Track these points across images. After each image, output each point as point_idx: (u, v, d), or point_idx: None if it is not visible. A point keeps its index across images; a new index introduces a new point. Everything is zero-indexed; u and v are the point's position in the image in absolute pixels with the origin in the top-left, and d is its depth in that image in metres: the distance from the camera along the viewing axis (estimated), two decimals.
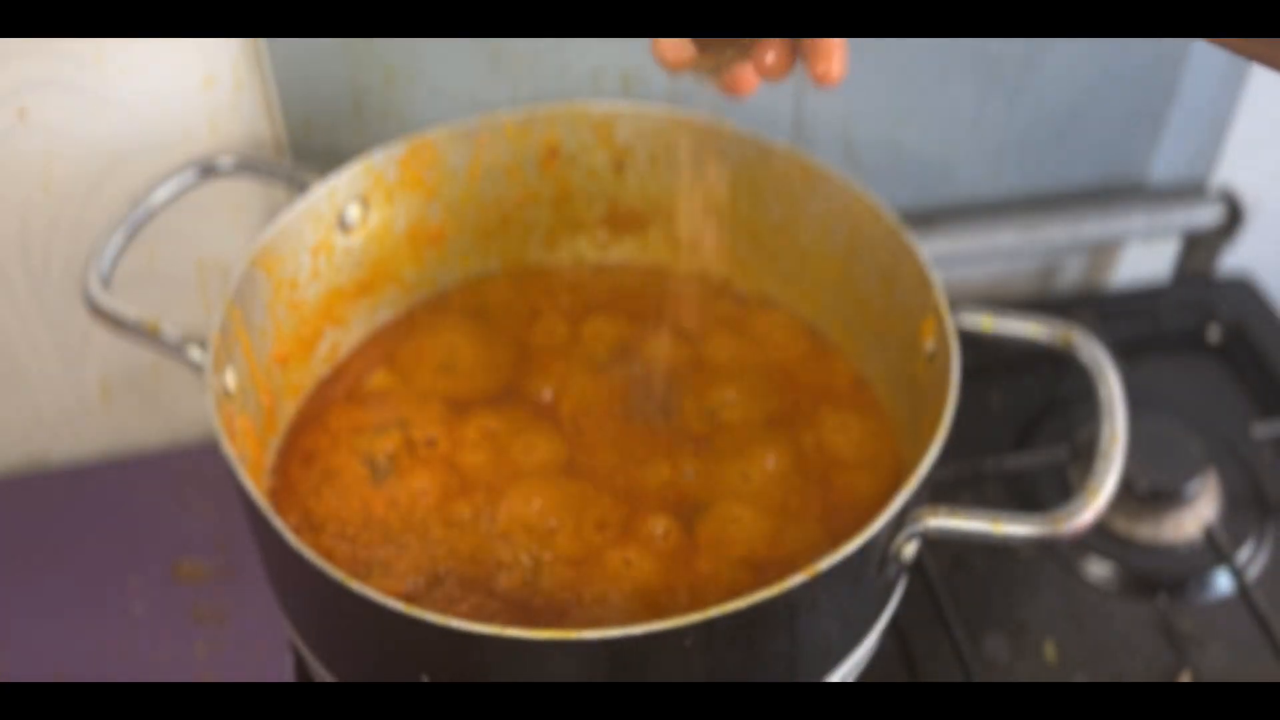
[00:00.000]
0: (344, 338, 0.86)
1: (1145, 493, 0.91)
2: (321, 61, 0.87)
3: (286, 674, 0.86)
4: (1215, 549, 0.90)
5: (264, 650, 0.89)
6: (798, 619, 0.62)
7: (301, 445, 0.80)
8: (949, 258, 1.05)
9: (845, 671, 0.71)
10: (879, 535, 0.61)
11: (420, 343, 0.87)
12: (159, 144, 0.88)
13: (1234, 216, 1.10)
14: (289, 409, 0.82)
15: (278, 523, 0.62)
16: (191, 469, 1.02)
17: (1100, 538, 0.91)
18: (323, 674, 0.72)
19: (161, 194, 0.80)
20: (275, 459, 0.80)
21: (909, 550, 0.64)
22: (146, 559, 0.96)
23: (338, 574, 0.59)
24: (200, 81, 0.87)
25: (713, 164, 0.84)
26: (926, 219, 1.06)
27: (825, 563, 0.59)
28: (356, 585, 0.59)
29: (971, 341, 0.88)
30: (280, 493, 0.78)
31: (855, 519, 0.75)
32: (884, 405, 0.83)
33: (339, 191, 0.81)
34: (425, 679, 0.63)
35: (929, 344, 0.74)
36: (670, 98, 0.93)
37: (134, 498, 1.00)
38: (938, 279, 0.74)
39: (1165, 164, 1.10)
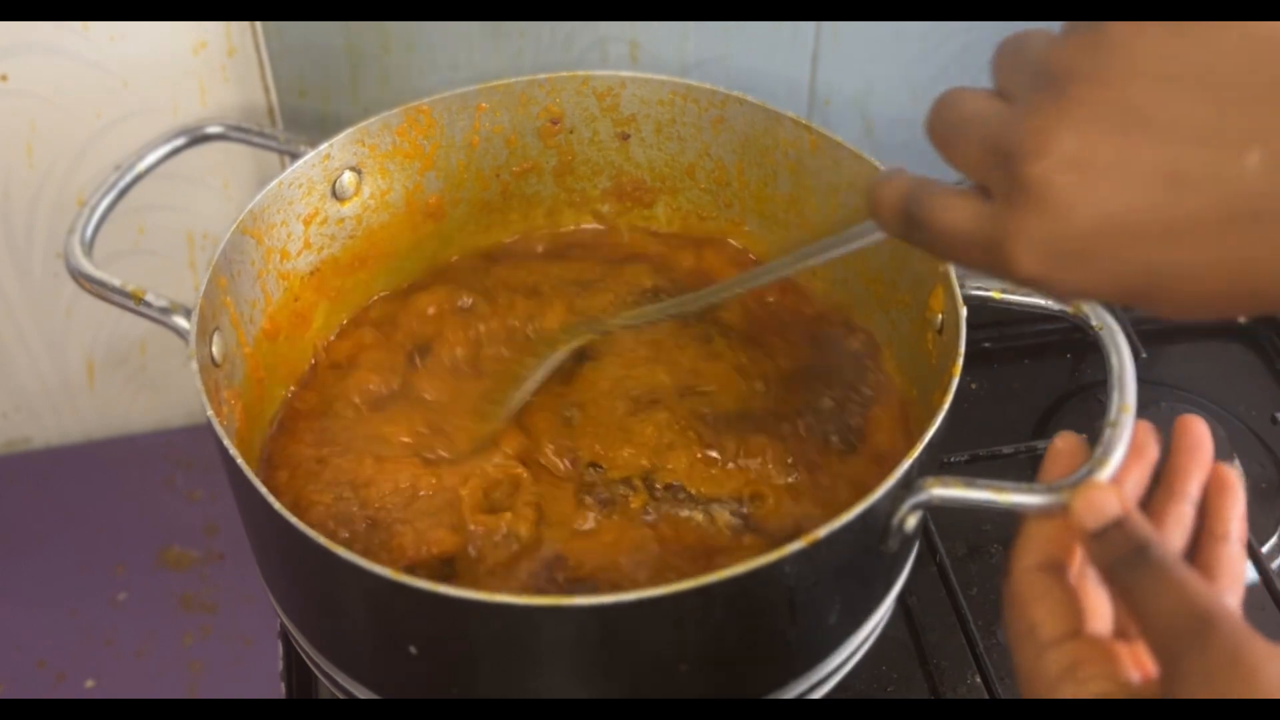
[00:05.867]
0: (339, 314, 0.87)
1: None
2: (317, 27, 0.88)
3: (276, 664, 0.87)
4: None
5: (253, 639, 0.91)
6: (797, 590, 0.63)
7: (296, 425, 0.81)
8: None
9: (849, 652, 0.72)
10: (880, 503, 0.62)
11: (419, 321, 0.87)
12: (147, 111, 0.90)
13: None
14: (281, 388, 0.83)
15: (263, 490, 0.63)
16: (180, 453, 1.03)
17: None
18: (311, 654, 0.73)
19: (148, 160, 0.81)
20: (267, 439, 0.81)
21: (912, 521, 0.65)
22: (133, 545, 0.97)
23: (321, 539, 0.60)
24: (191, 46, 0.88)
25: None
26: None
27: (824, 530, 0.60)
28: (343, 552, 0.60)
29: (993, 328, 0.89)
30: (273, 473, 0.79)
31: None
32: (896, 383, 0.84)
33: (332, 158, 0.83)
34: (413, 651, 0.64)
35: (938, 316, 0.75)
36: (678, 69, 0.94)
37: (120, 483, 1.02)
38: None
39: None
